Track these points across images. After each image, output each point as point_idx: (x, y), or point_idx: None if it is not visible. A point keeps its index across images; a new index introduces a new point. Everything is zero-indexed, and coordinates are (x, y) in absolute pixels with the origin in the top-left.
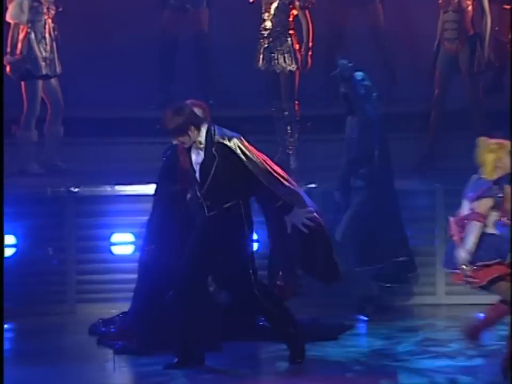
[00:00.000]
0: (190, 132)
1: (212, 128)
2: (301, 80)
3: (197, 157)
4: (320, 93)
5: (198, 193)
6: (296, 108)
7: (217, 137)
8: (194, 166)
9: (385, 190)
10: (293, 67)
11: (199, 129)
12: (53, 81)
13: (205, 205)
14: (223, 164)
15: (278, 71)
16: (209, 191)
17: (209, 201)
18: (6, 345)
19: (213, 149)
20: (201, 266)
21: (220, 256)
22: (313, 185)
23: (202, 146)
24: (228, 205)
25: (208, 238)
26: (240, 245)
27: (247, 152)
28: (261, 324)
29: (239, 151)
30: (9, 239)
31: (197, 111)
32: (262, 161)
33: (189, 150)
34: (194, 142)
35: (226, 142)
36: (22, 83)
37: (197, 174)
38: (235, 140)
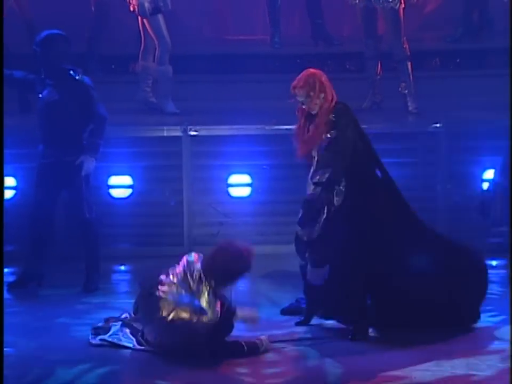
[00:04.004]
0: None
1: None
2: None
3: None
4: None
5: None
6: (406, 45)
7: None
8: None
9: None
10: (395, 3)
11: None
12: (160, 17)
13: None
14: None
15: (378, 7)
16: None
17: None
18: (124, 287)
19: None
20: None
21: None
22: (437, 125)
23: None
24: None
25: None
26: None
27: None
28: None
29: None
30: (126, 180)
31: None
32: None
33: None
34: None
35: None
36: (145, 21)
37: None
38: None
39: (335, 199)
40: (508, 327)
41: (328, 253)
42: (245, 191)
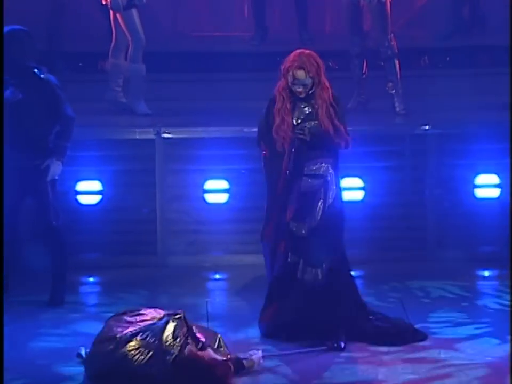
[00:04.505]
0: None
1: None
2: None
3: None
4: None
5: None
6: (393, 42)
7: None
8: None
9: None
10: None
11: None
12: (134, 11)
13: None
14: None
15: (364, 2)
16: None
17: None
18: (92, 299)
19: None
20: None
21: None
22: (426, 127)
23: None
24: None
25: None
26: None
27: None
28: None
29: None
30: (96, 186)
31: None
32: None
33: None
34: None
35: None
36: (118, 15)
37: None
38: None
39: (331, 192)
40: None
41: (326, 251)
42: (222, 197)
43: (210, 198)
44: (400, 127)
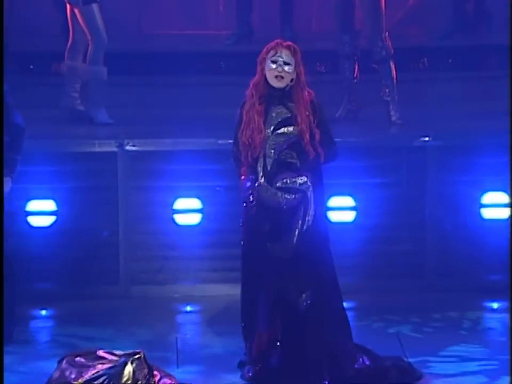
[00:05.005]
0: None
1: None
2: None
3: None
4: None
5: None
6: (388, 42)
7: None
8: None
9: None
10: None
11: None
12: (95, 7)
13: None
14: None
15: None
16: None
17: None
18: (44, 336)
19: None
20: None
21: None
22: (426, 138)
23: None
24: None
25: None
26: None
27: None
28: None
29: None
30: (49, 205)
31: None
32: None
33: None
34: None
35: None
36: (76, 11)
37: None
38: None
39: (311, 210)
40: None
41: (308, 277)
42: (194, 219)
43: (181, 219)
44: (396, 138)
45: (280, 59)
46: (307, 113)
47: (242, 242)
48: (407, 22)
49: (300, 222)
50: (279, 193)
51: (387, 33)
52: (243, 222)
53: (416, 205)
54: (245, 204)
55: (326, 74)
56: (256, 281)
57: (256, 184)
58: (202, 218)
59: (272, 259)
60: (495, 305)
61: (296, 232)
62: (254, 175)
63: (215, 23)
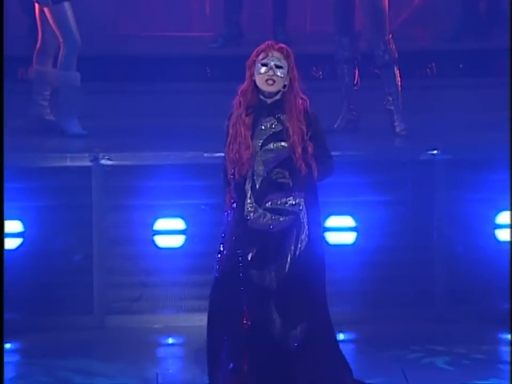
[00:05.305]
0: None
1: None
2: None
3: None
4: None
5: None
6: (392, 45)
7: None
8: None
9: None
10: None
11: None
12: (67, 5)
13: None
14: None
15: None
16: None
17: None
18: (9, 372)
19: None
20: None
21: None
22: (434, 152)
23: None
24: None
25: None
26: None
27: None
28: None
29: None
30: (15, 226)
31: None
32: None
33: None
34: None
35: None
36: (46, 10)
37: None
38: None
39: (304, 234)
40: None
41: (302, 309)
42: (176, 241)
43: (162, 241)
44: (401, 151)
45: (272, 62)
46: (300, 124)
47: (217, 266)
48: (413, 22)
49: (292, 247)
50: (268, 215)
51: (390, 35)
52: (223, 243)
53: (423, 225)
54: (223, 235)
55: (322, 80)
56: (229, 314)
57: (248, 207)
58: (186, 240)
59: (255, 288)
60: (510, 337)
61: (288, 259)
62: (240, 199)
63: (200, 23)
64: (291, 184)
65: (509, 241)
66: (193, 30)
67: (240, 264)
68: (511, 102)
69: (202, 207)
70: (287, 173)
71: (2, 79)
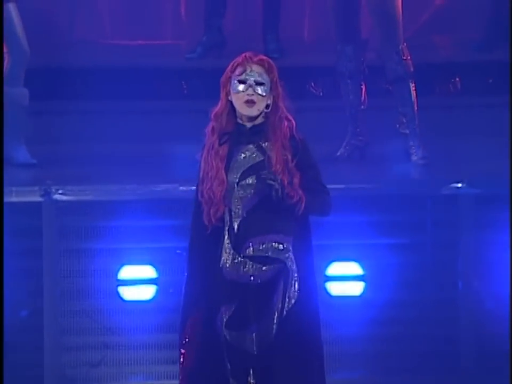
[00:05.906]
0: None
1: None
2: None
3: None
4: None
5: None
6: (406, 56)
7: None
8: None
9: None
10: None
11: None
12: (13, 8)
13: None
14: None
15: None
16: None
17: None
18: None
19: None
20: None
21: None
22: (458, 185)
23: None
24: None
25: None
26: None
27: None
28: None
29: None
30: None
31: None
32: None
33: None
34: None
35: None
36: None
37: None
38: None
39: (293, 287)
40: None
41: (295, 376)
42: (146, 293)
43: (128, 293)
44: (418, 184)
45: (251, 78)
46: (284, 151)
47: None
48: (433, 28)
49: (280, 305)
50: (249, 264)
51: (405, 44)
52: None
53: (445, 274)
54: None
55: (322, 98)
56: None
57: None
58: (157, 291)
59: (234, 353)
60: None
61: (274, 320)
62: (216, 246)
63: (175, 29)
64: (276, 225)
65: None
66: (166, 37)
67: (212, 323)
68: (511, 100)
69: (177, 251)
70: (270, 212)
71: (2, 79)
